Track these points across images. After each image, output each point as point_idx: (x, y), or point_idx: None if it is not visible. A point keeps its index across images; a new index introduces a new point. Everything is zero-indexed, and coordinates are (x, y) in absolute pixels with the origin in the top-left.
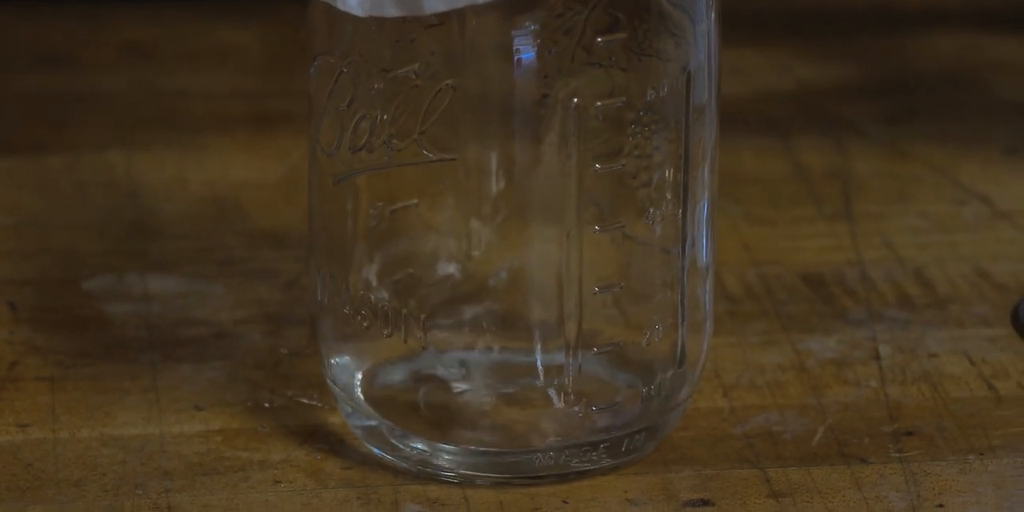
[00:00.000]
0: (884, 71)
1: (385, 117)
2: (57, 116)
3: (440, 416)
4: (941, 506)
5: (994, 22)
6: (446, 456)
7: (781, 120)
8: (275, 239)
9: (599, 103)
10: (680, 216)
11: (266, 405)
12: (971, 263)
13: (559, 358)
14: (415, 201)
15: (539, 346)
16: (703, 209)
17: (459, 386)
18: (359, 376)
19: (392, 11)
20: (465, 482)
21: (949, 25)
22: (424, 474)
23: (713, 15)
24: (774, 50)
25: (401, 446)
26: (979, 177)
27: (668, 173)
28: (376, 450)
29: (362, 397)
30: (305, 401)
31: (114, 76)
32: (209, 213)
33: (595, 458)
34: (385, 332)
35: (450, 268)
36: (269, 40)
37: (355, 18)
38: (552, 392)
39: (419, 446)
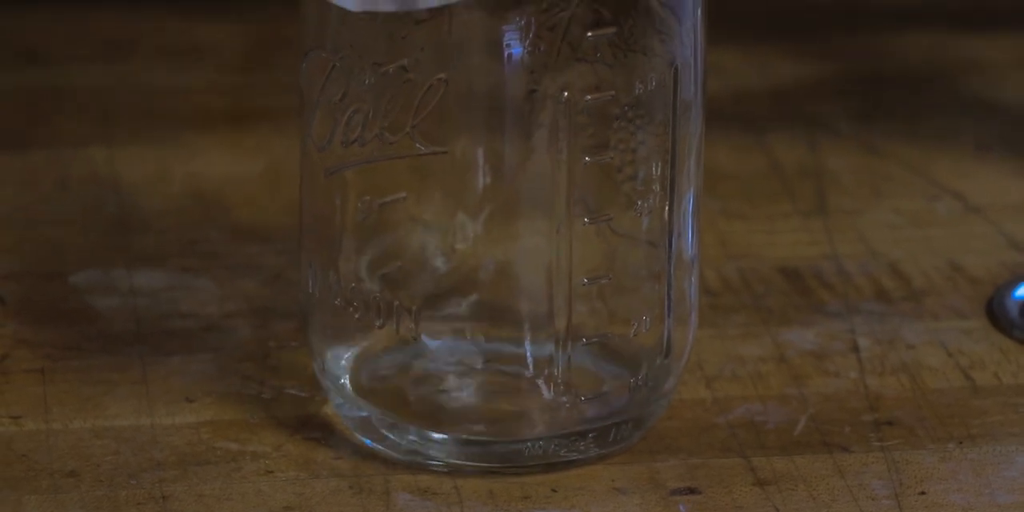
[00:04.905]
0: (857, 70)
1: (377, 111)
2: (38, 112)
3: (430, 406)
4: (923, 493)
5: (962, 22)
6: (437, 446)
7: (756, 117)
8: (258, 233)
9: (588, 97)
10: (667, 209)
11: (256, 397)
12: (945, 257)
13: (548, 349)
14: (403, 195)
15: (529, 337)
16: (689, 202)
17: (449, 377)
18: (350, 367)
19: (386, 6)
20: (455, 471)
21: (920, 25)
22: (415, 464)
23: (700, 12)
24: (752, 48)
25: (392, 436)
26: (951, 174)
27: (655, 167)
28: (367, 440)
29: (353, 388)
30: (294, 392)
31: (94, 72)
32: (191, 208)
33: (583, 448)
34: (377, 323)
35: (442, 260)
36: (248, 37)
37: (347, 13)
38: (541, 383)
39: (410, 436)
